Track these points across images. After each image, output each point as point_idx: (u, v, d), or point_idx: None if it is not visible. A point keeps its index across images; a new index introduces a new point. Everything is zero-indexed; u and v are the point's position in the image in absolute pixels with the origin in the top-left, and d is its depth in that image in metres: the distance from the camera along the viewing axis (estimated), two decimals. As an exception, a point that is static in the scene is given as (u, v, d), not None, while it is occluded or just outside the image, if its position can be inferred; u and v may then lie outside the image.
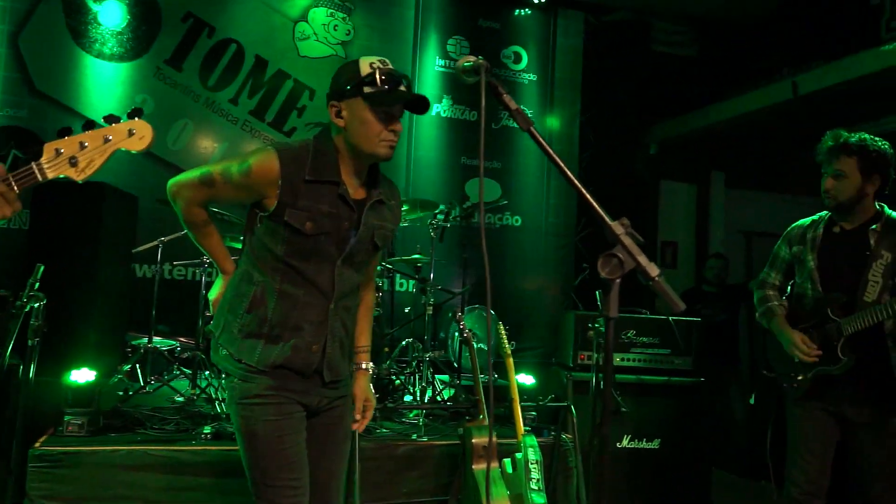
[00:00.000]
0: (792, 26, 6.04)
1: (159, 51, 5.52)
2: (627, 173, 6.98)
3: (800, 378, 2.82)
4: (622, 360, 4.13)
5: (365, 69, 1.87)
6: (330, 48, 5.98)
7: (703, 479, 4.17)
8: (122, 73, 5.43)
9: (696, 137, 6.96)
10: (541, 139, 1.33)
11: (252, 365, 1.91)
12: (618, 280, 1.27)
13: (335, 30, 6.00)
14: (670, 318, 4.22)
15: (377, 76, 1.86)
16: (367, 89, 1.86)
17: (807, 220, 2.98)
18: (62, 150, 1.63)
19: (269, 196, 1.90)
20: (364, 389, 2.21)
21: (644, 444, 4.08)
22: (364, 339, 2.26)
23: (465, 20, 6.38)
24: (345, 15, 6.03)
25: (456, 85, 6.15)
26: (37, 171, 1.61)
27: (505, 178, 6.34)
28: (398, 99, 1.88)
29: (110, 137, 1.69)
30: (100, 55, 5.37)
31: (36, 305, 2.74)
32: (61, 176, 1.63)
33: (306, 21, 5.93)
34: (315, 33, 5.95)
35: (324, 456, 2.07)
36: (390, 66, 1.91)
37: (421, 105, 1.91)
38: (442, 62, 6.30)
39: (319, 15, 5.97)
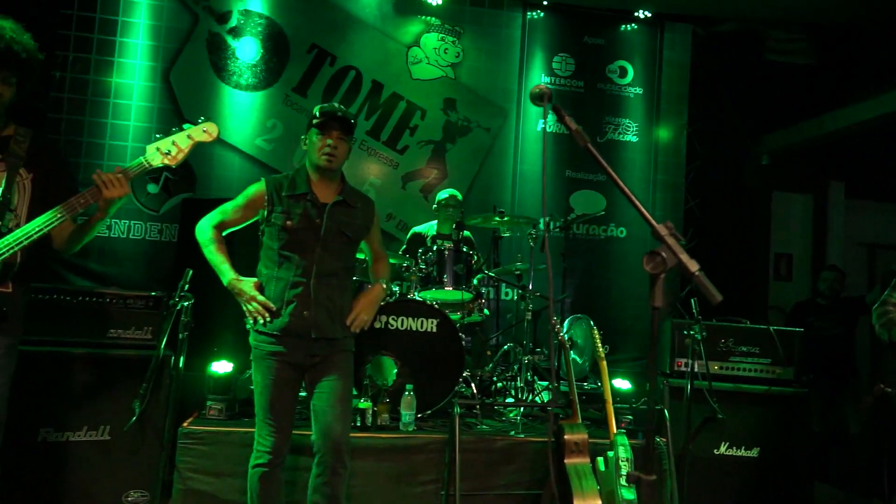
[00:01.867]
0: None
1: (287, 80, 6.08)
2: (738, 184, 6.91)
3: None
4: (720, 367, 4.15)
5: (315, 110, 2.89)
6: (440, 70, 6.35)
7: (804, 491, 4.09)
8: (256, 101, 6.03)
9: (811, 147, 6.77)
10: (596, 153, 1.55)
11: (262, 330, 2.82)
12: (662, 275, 1.46)
13: (445, 53, 6.37)
14: (771, 327, 4.21)
15: (318, 112, 2.86)
16: (314, 121, 2.86)
17: None
18: (159, 147, 2.50)
19: (263, 209, 2.88)
20: (362, 298, 3.04)
21: (742, 452, 4.08)
22: (379, 275, 3.21)
23: (570, 38, 6.57)
24: (454, 38, 6.39)
25: (562, 101, 6.34)
26: (144, 162, 2.49)
27: (609, 190, 6.46)
28: (328, 120, 2.83)
29: (190, 135, 2.55)
30: (237, 86, 5.99)
31: (185, 304, 3.17)
32: (162, 164, 2.50)
33: (419, 46, 6.34)
34: (427, 57, 6.34)
35: (320, 392, 2.86)
36: (334, 104, 2.90)
37: (346, 124, 2.86)
38: (548, 79, 6.51)
39: (431, 40, 6.36)
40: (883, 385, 3.03)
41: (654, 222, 1.46)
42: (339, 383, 2.87)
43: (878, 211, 7.15)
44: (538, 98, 1.66)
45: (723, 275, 6.19)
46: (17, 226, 2.35)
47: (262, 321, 2.83)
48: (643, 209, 1.49)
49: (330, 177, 2.93)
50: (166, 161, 2.49)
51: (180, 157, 2.52)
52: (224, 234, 2.99)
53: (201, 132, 2.57)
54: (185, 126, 2.56)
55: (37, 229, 2.29)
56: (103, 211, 2.45)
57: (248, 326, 2.91)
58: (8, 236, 2.27)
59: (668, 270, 1.45)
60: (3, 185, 2.34)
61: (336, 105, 2.90)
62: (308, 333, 2.79)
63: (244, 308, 2.86)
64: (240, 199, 2.96)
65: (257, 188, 2.93)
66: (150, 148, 2.48)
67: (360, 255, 4.67)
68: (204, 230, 2.95)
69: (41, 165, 2.45)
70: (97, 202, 2.40)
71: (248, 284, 2.87)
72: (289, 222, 2.81)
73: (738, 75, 6.73)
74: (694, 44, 6.71)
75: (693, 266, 1.42)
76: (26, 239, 2.27)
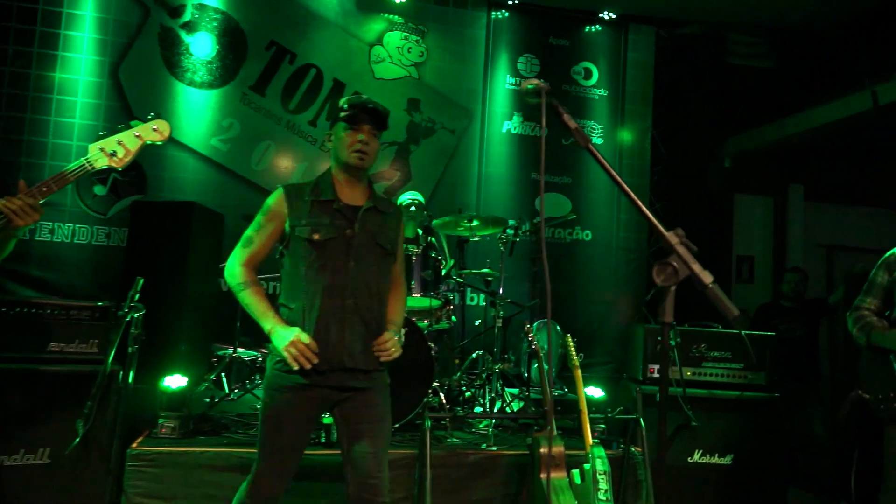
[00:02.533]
0: (873, 36, 5.88)
1: (245, 78, 5.84)
2: (700, 187, 6.92)
3: None
4: (693, 373, 4.09)
5: (341, 102, 2.46)
6: (404, 70, 6.19)
7: (778, 497, 4.06)
8: (212, 99, 5.77)
9: (772, 150, 6.84)
10: (598, 154, 1.42)
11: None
12: (673, 287, 1.33)
13: (409, 52, 6.20)
14: (743, 332, 4.16)
15: (346, 104, 2.45)
16: (341, 114, 2.45)
17: None
18: (103, 148, 2.25)
19: (284, 221, 2.44)
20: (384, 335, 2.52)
21: (716, 460, 4.03)
22: (393, 316, 2.61)
23: (535, 39, 6.47)
24: (418, 38, 6.23)
25: (526, 102, 6.23)
26: (86, 164, 2.21)
27: (575, 193, 6.38)
28: (359, 113, 2.43)
29: (139, 134, 2.29)
30: (191, 83, 5.73)
31: (136, 315, 2.95)
32: (105, 166, 2.25)
33: (381, 45, 6.16)
34: (390, 56, 6.17)
35: (357, 436, 2.43)
36: (362, 97, 2.51)
37: (379, 117, 2.47)
38: (513, 80, 6.40)
39: (394, 38, 6.19)
40: (861, 391, 2.98)
41: (662, 229, 1.33)
42: (380, 426, 2.47)
43: (837, 213, 7.25)
44: (535, 94, 1.52)
45: (685, 278, 6.27)
46: None
47: (296, 365, 2.33)
48: (650, 215, 1.36)
49: (359, 178, 2.51)
50: (111, 163, 2.25)
51: (127, 158, 2.28)
52: (257, 266, 2.53)
53: (151, 131, 2.32)
54: (132, 123, 2.31)
55: None
56: (13, 235, 2.22)
57: (269, 363, 2.46)
58: None
59: (680, 282, 1.32)
60: None
61: (366, 97, 2.52)
62: (340, 362, 2.36)
63: (280, 351, 2.33)
64: (259, 218, 2.49)
65: (275, 198, 2.48)
66: (93, 148, 2.24)
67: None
68: (233, 274, 2.49)
69: None
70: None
71: (293, 331, 2.35)
72: (315, 235, 2.37)
73: (701, 78, 6.75)
74: (658, 46, 6.70)
75: (707, 277, 1.30)
76: None
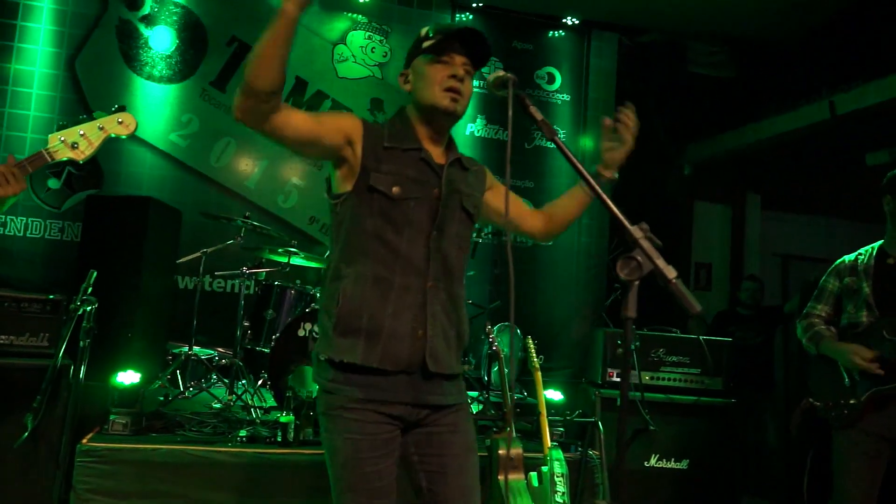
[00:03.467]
0: (831, 46, 6.02)
1: (205, 73, 5.77)
2: (660, 194, 7.01)
3: (852, 402, 2.81)
4: (651, 378, 4.12)
5: (423, 30, 1.87)
6: (367, 69, 6.17)
7: (733, 503, 4.12)
8: (171, 94, 5.68)
9: (731, 158, 6.95)
10: (564, 147, 1.43)
11: (355, 364, 1.74)
12: (636, 282, 1.33)
13: (372, 52, 6.18)
14: (700, 337, 4.22)
15: (432, 31, 1.85)
16: (424, 44, 1.84)
17: (852, 255, 3.03)
18: (64, 139, 2.10)
19: (353, 151, 1.81)
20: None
21: (672, 465, 4.06)
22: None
23: (499, 42, 6.50)
24: (382, 38, 6.22)
25: (489, 105, 6.27)
26: (46, 155, 2.08)
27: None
28: (449, 41, 1.82)
29: (103, 126, 2.15)
30: (150, 77, 5.63)
31: (88, 308, 2.88)
32: (66, 158, 2.10)
33: (345, 44, 6.14)
34: (353, 55, 6.15)
35: (445, 472, 1.82)
36: (451, 24, 1.92)
37: (478, 47, 1.85)
38: (476, 83, 6.40)
39: (357, 38, 6.17)
40: (811, 399, 3.03)
41: (627, 223, 1.34)
42: (470, 459, 1.87)
43: (792, 222, 7.42)
44: (501, 85, 1.52)
45: (644, 283, 6.34)
46: None
47: (347, 351, 1.75)
48: (615, 209, 1.36)
49: (446, 127, 1.92)
50: (72, 155, 2.12)
51: (89, 151, 2.14)
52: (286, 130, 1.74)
53: (116, 124, 2.18)
54: (95, 114, 2.19)
55: None
56: None
57: (314, 354, 1.87)
58: None
59: (643, 277, 1.32)
60: None
61: (457, 24, 1.91)
62: (421, 365, 1.77)
63: None
64: (328, 111, 1.96)
65: (353, 117, 1.87)
66: (53, 138, 2.11)
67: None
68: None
69: None
70: None
71: None
72: (395, 188, 1.79)
73: (662, 85, 6.84)
74: (620, 53, 6.79)
75: (671, 272, 1.30)
76: None
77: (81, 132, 2.13)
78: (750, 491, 5.05)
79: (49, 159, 2.09)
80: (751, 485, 5.34)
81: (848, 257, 3.03)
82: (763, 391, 5.69)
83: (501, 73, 1.58)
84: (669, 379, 4.17)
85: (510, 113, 1.48)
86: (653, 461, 4.04)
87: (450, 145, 1.96)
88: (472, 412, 2.05)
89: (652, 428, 3.86)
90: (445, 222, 1.84)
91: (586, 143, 6.69)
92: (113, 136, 2.19)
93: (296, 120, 1.73)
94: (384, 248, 1.78)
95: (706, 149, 6.97)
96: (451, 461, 1.82)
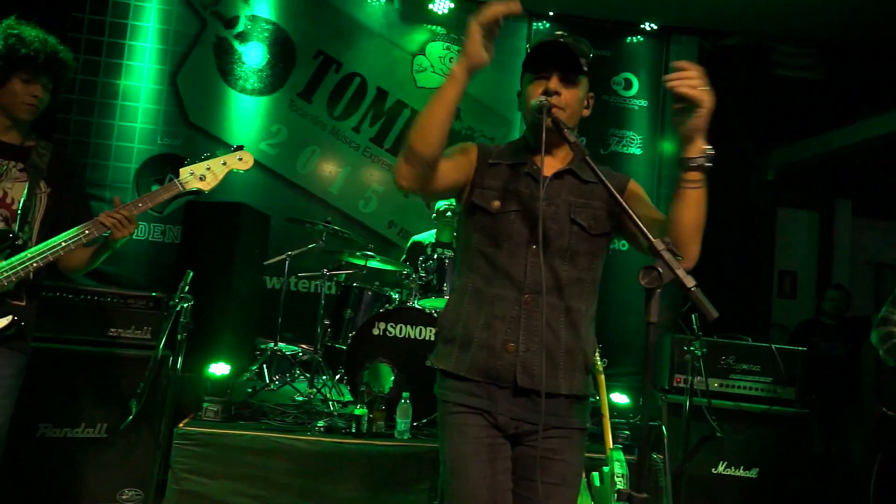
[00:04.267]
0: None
1: (293, 85, 6.10)
2: (742, 200, 6.86)
3: None
4: (720, 385, 4.11)
5: (530, 45, 1.89)
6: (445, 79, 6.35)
7: (806, 513, 4.06)
8: (261, 105, 6.05)
9: (818, 164, 6.73)
10: (595, 166, 1.55)
11: (448, 371, 1.81)
12: (658, 290, 1.45)
13: (451, 62, 6.38)
14: (773, 346, 4.18)
15: (530, 47, 1.88)
16: (524, 62, 1.89)
17: None
18: (193, 172, 2.41)
19: (470, 173, 1.88)
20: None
21: (741, 472, 4.03)
22: None
23: (577, 50, 6.55)
24: (460, 48, 6.38)
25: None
26: (179, 185, 2.39)
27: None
28: (541, 54, 1.83)
29: (225, 162, 2.47)
30: (243, 90, 6.02)
31: (185, 305, 3.15)
32: (194, 188, 2.40)
33: (424, 55, 6.36)
34: (432, 65, 6.36)
35: (531, 498, 1.76)
36: (554, 33, 1.88)
37: (566, 56, 1.82)
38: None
39: (436, 48, 6.38)
40: (885, 408, 2.97)
41: (650, 236, 1.46)
42: (563, 490, 1.79)
43: (886, 230, 7.10)
44: (538, 111, 1.65)
45: (726, 291, 6.25)
46: (31, 239, 2.33)
47: (443, 358, 1.84)
48: (640, 223, 1.48)
49: (556, 140, 1.82)
50: (200, 186, 2.43)
51: (214, 183, 2.46)
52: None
53: (237, 160, 2.49)
54: (219, 152, 2.51)
55: (58, 247, 2.24)
56: (110, 246, 2.43)
57: (429, 362, 1.92)
58: (29, 250, 2.23)
59: (663, 286, 1.44)
60: (24, 195, 2.33)
61: (558, 33, 1.89)
62: (511, 379, 1.76)
63: None
64: (450, 151, 1.88)
65: (471, 147, 1.94)
66: (184, 171, 2.42)
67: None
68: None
69: (59, 180, 2.43)
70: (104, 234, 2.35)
71: None
72: (495, 203, 1.82)
73: (744, 89, 6.69)
74: (700, 57, 6.68)
75: (689, 282, 1.41)
76: (50, 254, 2.23)
77: (208, 167, 2.44)
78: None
79: (181, 189, 2.40)
80: (833, 499, 5.19)
81: None
82: (847, 404, 5.51)
83: (541, 98, 1.68)
84: (739, 387, 4.14)
85: (542, 137, 1.60)
86: (721, 468, 4.03)
87: (573, 158, 1.89)
88: (584, 432, 1.87)
89: (719, 435, 3.84)
90: (549, 235, 1.78)
91: (664, 147, 6.65)
92: (234, 170, 2.50)
93: (444, 173, 1.79)
94: (485, 262, 1.81)
95: (791, 154, 6.78)
96: (543, 488, 1.73)
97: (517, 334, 1.75)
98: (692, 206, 1.65)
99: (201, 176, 2.41)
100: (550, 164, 1.86)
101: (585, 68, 1.83)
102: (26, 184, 2.34)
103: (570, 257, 1.80)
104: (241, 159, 2.49)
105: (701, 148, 1.63)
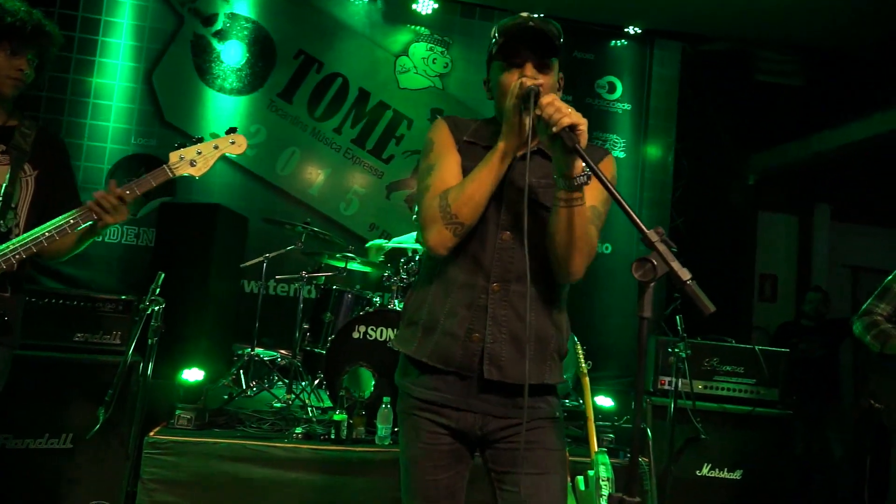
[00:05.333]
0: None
1: (273, 85, 6.01)
2: (723, 204, 6.89)
3: None
4: (704, 387, 4.09)
5: (492, 31, 1.77)
6: (428, 80, 6.31)
7: (788, 514, 4.05)
8: (240, 105, 5.95)
9: (798, 168, 6.80)
10: (584, 154, 1.47)
11: (410, 356, 1.75)
12: (652, 283, 1.38)
13: (434, 63, 6.32)
14: (756, 347, 4.16)
15: (498, 32, 1.75)
16: (493, 49, 1.76)
17: None
18: (183, 156, 2.23)
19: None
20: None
21: (725, 474, 4.01)
22: None
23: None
24: (443, 49, 6.35)
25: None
26: (168, 170, 2.21)
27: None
28: (513, 40, 1.71)
29: (218, 146, 2.30)
30: (221, 89, 5.91)
31: (156, 308, 3.06)
32: (185, 174, 2.23)
33: (407, 55, 6.30)
34: (415, 66, 6.30)
35: (519, 492, 1.68)
36: (519, 16, 1.75)
37: (542, 42, 1.72)
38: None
39: (419, 49, 6.32)
40: (872, 401, 2.96)
41: (643, 227, 1.38)
42: (549, 481, 1.71)
43: (864, 234, 7.16)
44: (525, 98, 1.57)
45: (708, 293, 6.22)
46: (17, 226, 2.21)
47: (405, 341, 1.79)
48: (631, 212, 1.41)
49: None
50: (191, 171, 2.25)
51: (205, 168, 2.27)
52: None
53: (229, 143, 2.31)
54: (210, 135, 2.34)
55: (44, 236, 2.11)
56: (97, 231, 2.29)
57: (390, 344, 1.92)
58: (14, 240, 2.10)
59: (658, 279, 1.37)
60: (6, 180, 2.18)
61: (524, 15, 1.74)
62: (475, 369, 1.68)
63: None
64: (429, 157, 1.79)
65: (437, 127, 1.82)
66: (174, 155, 2.23)
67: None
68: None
69: (47, 162, 2.29)
70: (93, 221, 2.21)
71: None
72: None
73: (726, 94, 6.75)
74: (683, 61, 6.72)
75: (685, 274, 1.34)
76: (33, 244, 2.10)
77: (199, 151, 2.26)
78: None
79: (171, 175, 2.22)
80: (814, 500, 5.20)
81: None
82: (827, 404, 5.53)
83: (524, 82, 1.60)
84: (723, 388, 4.13)
85: (529, 125, 1.53)
86: (705, 470, 4.00)
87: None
88: (560, 421, 1.79)
89: (703, 437, 3.83)
90: (516, 219, 1.70)
91: (647, 151, 6.65)
92: (226, 154, 2.33)
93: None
94: (457, 249, 1.71)
95: (771, 158, 6.82)
96: (525, 480, 1.67)
97: (483, 323, 1.68)
98: (570, 224, 1.61)
99: (192, 161, 2.24)
100: (521, 146, 1.72)
101: (558, 50, 1.75)
102: (9, 167, 2.19)
103: (537, 244, 1.68)
104: (233, 143, 2.31)
105: (581, 166, 1.56)
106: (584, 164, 1.53)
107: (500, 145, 1.65)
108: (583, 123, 1.54)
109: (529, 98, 1.55)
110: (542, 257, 1.65)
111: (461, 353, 1.68)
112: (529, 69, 1.71)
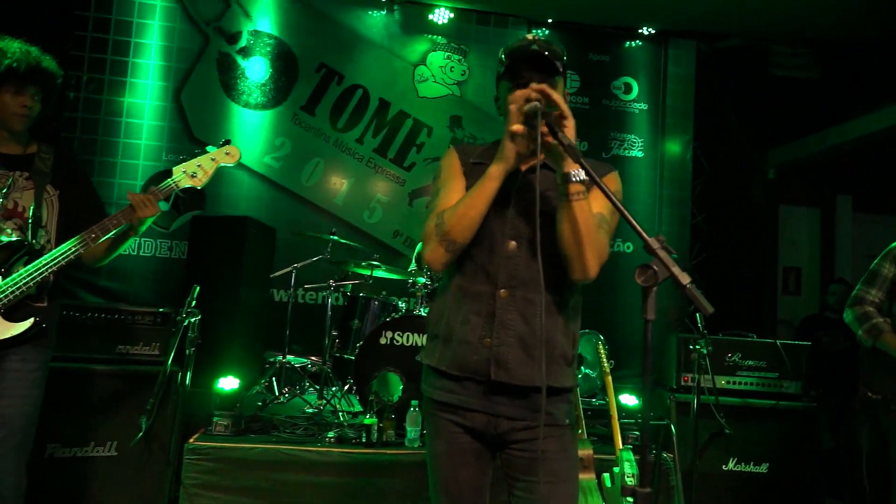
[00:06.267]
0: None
1: (296, 98, 6.17)
2: (744, 199, 6.92)
3: None
4: (727, 382, 4.13)
5: (502, 53, 1.87)
6: (447, 88, 6.42)
7: (814, 507, 4.07)
8: (265, 119, 6.11)
9: (817, 161, 6.79)
10: (590, 169, 1.57)
11: (432, 366, 1.86)
12: (654, 288, 1.48)
13: (451, 71, 6.43)
14: (778, 341, 4.20)
15: (504, 54, 1.85)
16: (500, 69, 1.88)
17: None
18: (185, 170, 2.55)
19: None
20: None
21: (751, 468, 4.05)
22: None
23: (575, 55, 6.60)
24: (460, 57, 6.46)
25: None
26: (172, 184, 2.54)
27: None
28: (517, 62, 1.81)
29: (214, 158, 2.59)
30: (246, 105, 6.08)
31: (193, 320, 3.20)
32: (188, 185, 2.55)
33: (425, 65, 6.42)
34: (433, 75, 6.42)
35: (531, 498, 1.76)
36: (525, 39, 1.86)
37: (544, 63, 1.80)
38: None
39: (437, 58, 6.44)
40: (870, 392, 2.97)
41: (645, 235, 1.48)
42: (560, 487, 1.78)
43: (886, 224, 7.13)
44: (532, 116, 1.66)
45: (731, 289, 6.29)
46: (49, 242, 2.47)
47: (428, 353, 1.90)
48: (633, 221, 1.50)
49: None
50: (193, 183, 2.55)
51: (205, 179, 2.58)
52: None
53: (224, 154, 2.60)
54: (208, 149, 2.62)
55: (73, 249, 2.38)
56: (135, 230, 2.56)
57: (418, 358, 1.97)
58: (45, 256, 2.36)
59: (660, 283, 1.47)
60: (33, 202, 2.45)
61: (529, 37, 1.86)
62: (486, 373, 1.77)
63: None
64: (440, 184, 1.94)
65: (448, 157, 1.97)
66: (177, 170, 2.54)
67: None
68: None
69: (66, 181, 2.55)
70: (130, 221, 2.49)
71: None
72: None
73: (742, 90, 6.77)
74: (698, 59, 6.76)
75: (684, 279, 1.44)
76: (63, 258, 2.37)
77: (198, 164, 2.56)
78: (843, 499, 4.92)
79: (175, 187, 2.54)
80: (845, 492, 5.19)
81: None
82: (854, 396, 5.51)
83: (534, 104, 1.67)
84: (746, 383, 4.16)
85: (539, 140, 1.61)
86: (731, 465, 4.04)
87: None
88: (571, 429, 1.85)
89: (728, 431, 3.87)
90: (520, 229, 1.81)
91: (666, 149, 6.69)
92: (222, 165, 2.62)
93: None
94: (469, 261, 1.83)
95: (790, 152, 6.83)
96: (537, 487, 1.75)
97: (492, 329, 1.77)
98: (573, 218, 1.69)
99: (192, 173, 2.54)
100: (527, 160, 1.82)
101: (560, 69, 1.83)
102: (33, 191, 2.46)
103: (550, 250, 1.74)
104: (228, 154, 2.60)
105: (576, 164, 1.66)
106: (577, 163, 1.63)
107: (492, 168, 1.75)
108: (569, 117, 1.67)
109: (537, 116, 1.64)
110: (547, 264, 1.67)
111: (475, 358, 1.78)
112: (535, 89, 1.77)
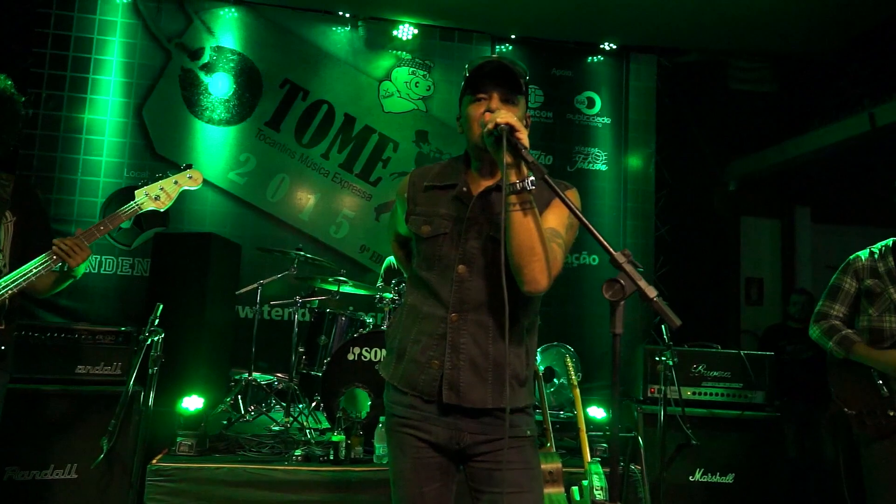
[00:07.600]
0: (870, 58, 6.01)
1: (260, 114, 6.13)
2: (706, 210, 7.03)
3: (891, 413, 2.75)
4: (693, 393, 4.17)
5: (466, 68, 1.86)
6: (412, 103, 6.44)
7: (781, 516, 4.11)
8: (229, 135, 6.06)
9: (776, 173, 6.93)
10: (554, 185, 1.58)
11: (388, 380, 1.90)
12: (622, 302, 1.49)
13: (416, 86, 6.46)
14: (741, 352, 4.26)
15: (467, 69, 1.84)
16: (463, 83, 1.86)
17: (865, 252, 3.00)
18: (148, 193, 2.55)
19: (404, 208, 1.95)
20: None
21: (718, 479, 4.09)
22: None
23: (538, 71, 6.69)
24: (425, 72, 6.49)
25: (531, 132, 6.42)
26: (135, 206, 2.52)
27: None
28: (481, 75, 1.80)
29: (177, 181, 2.61)
30: (210, 121, 6.03)
31: (156, 339, 3.14)
32: (151, 208, 2.55)
33: (390, 80, 6.43)
34: (398, 90, 6.43)
35: None
36: (487, 57, 1.86)
37: (506, 76, 1.79)
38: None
39: (402, 74, 6.46)
40: (845, 407, 2.97)
41: (611, 250, 1.49)
42: (523, 498, 1.78)
43: (844, 234, 7.29)
44: (497, 134, 1.64)
45: (695, 300, 6.37)
46: (5, 266, 2.44)
47: (385, 366, 1.96)
48: (599, 236, 1.52)
49: (492, 159, 1.83)
50: (156, 205, 2.56)
51: (168, 202, 2.59)
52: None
53: (187, 178, 2.63)
54: (170, 172, 2.64)
55: (28, 273, 2.36)
56: (72, 274, 2.56)
57: (377, 367, 2.12)
58: (3, 278, 2.35)
59: (627, 297, 1.48)
60: None
61: (494, 56, 1.91)
62: (434, 393, 1.79)
63: None
64: (393, 207, 2.08)
65: (401, 184, 1.99)
66: (140, 193, 2.55)
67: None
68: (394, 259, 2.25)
69: (23, 209, 2.53)
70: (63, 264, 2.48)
71: None
72: (425, 227, 1.86)
73: (703, 104, 6.91)
74: (659, 74, 6.89)
75: (651, 292, 1.45)
76: (22, 280, 2.35)
77: (161, 187, 2.58)
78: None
79: (138, 210, 2.54)
80: (811, 499, 5.26)
81: (862, 254, 2.99)
82: (818, 405, 5.61)
83: (500, 121, 1.66)
84: (711, 394, 4.21)
85: (504, 159, 1.62)
86: (697, 476, 4.07)
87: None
88: (532, 441, 1.86)
89: (694, 443, 3.89)
90: (472, 253, 1.80)
91: (630, 163, 6.79)
92: (185, 188, 2.64)
93: (400, 231, 2.05)
94: (422, 284, 1.86)
95: (750, 164, 6.96)
96: (500, 498, 1.75)
97: (442, 351, 1.78)
98: (517, 227, 1.67)
99: (155, 196, 2.57)
100: (483, 183, 1.86)
101: (524, 87, 1.83)
102: None
103: (494, 274, 1.74)
104: (191, 177, 2.64)
105: (524, 172, 1.66)
106: (526, 170, 1.64)
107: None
108: (520, 128, 1.65)
109: (502, 135, 1.64)
110: (499, 287, 1.61)
111: (423, 378, 1.80)
112: (495, 101, 1.79)
